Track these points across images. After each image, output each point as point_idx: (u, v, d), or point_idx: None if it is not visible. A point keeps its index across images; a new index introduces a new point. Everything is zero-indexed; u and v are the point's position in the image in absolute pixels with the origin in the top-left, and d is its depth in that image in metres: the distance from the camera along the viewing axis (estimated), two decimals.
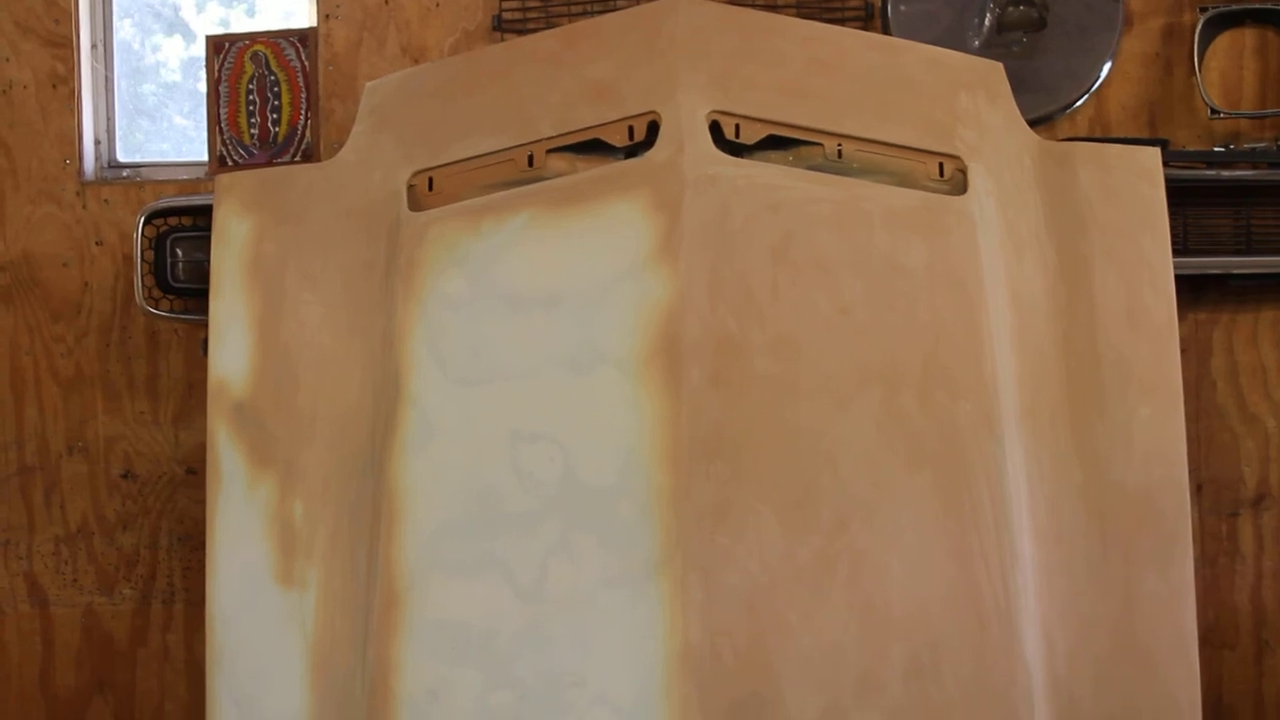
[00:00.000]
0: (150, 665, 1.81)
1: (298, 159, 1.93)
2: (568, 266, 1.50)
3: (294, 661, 1.51)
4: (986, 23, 2.06)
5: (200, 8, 2.29)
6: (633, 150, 1.54)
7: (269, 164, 1.90)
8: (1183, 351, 1.56)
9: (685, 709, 1.43)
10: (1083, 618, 1.47)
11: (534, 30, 2.05)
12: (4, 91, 2.03)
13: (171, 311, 1.82)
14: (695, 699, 1.43)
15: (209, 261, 1.57)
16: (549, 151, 1.55)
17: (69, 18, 2.05)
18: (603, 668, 1.45)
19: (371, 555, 1.50)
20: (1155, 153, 1.56)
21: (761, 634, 1.44)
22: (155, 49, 2.29)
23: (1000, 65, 1.62)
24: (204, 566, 1.53)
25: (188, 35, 2.29)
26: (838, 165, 1.54)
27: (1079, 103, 2.03)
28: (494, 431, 1.49)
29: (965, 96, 1.57)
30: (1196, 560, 1.60)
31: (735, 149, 1.53)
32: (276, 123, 1.93)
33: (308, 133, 1.93)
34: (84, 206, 2.00)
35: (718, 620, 1.44)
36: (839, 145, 1.54)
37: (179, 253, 1.83)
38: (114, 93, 2.18)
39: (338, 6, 2.06)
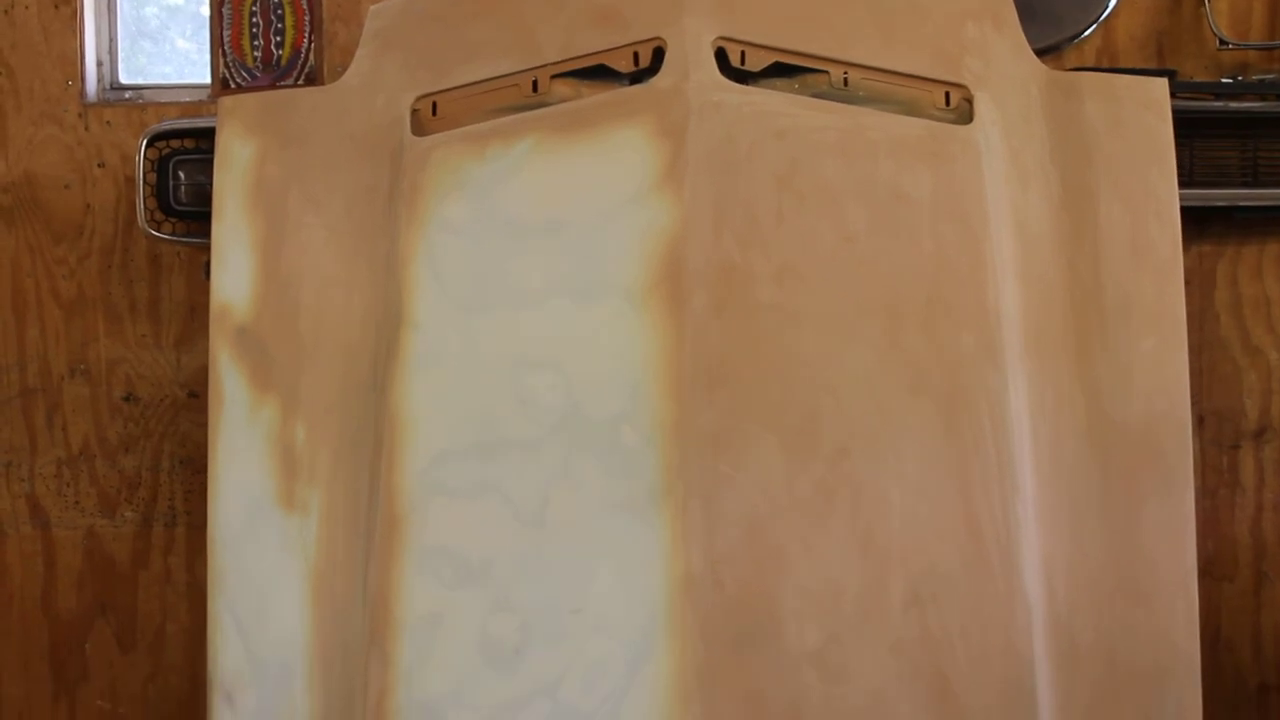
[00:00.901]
0: (152, 588, 1.82)
1: (301, 82, 1.92)
2: (571, 193, 1.50)
3: (295, 584, 1.51)
4: None
5: None
6: (638, 76, 1.53)
7: (272, 87, 1.89)
8: (1186, 284, 1.56)
9: (686, 637, 1.43)
10: (1083, 549, 1.47)
11: None
12: (6, 11, 2.01)
13: (174, 234, 1.82)
14: (696, 627, 1.43)
15: (211, 184, 1.57)
16: (554, 77, 1.54)
17: None
18: (603, 595, 1.45)
19: (373, 479, 1.50)
20: (1163, 84, 1.55)
21: (762, 562, 1.44)
22: None
23: None
24: (205, 490, 1.53)
25: None
26: (843, 93, 1.53)
27: (1087, 33, 2.01)
28: (496, 358, 1.48)
29: (972, 25, 1.56)
30: (1197, 492, 1.60)
31: (741, 76, 1.52)
32: (280, 45, 1.92)
33: (311, 56, 1.92)
34: (86, 128, 1.99)
35: (719, 548, 1.44)
36: (845, 73, 1.53)
37: (181, 175, 1.83)
38: (116, 14, 2.16)
39: None
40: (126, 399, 1.83)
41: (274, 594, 1.51)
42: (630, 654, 1.44)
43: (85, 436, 1.84)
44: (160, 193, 1.82)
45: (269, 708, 1.51)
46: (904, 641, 1.44)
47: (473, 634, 1.46)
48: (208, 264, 1.57)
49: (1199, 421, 1.68)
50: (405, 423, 1.48)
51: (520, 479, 1.47)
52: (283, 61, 1.92)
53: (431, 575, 1.46)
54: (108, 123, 2.00)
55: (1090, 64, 2.01)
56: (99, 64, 2.10)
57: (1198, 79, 1.95)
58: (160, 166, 1.83)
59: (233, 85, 1.92)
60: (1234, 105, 1.87)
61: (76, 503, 1.82)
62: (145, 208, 1.81)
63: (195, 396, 1.81)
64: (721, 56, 1.52)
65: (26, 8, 2.02)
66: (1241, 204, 1.78)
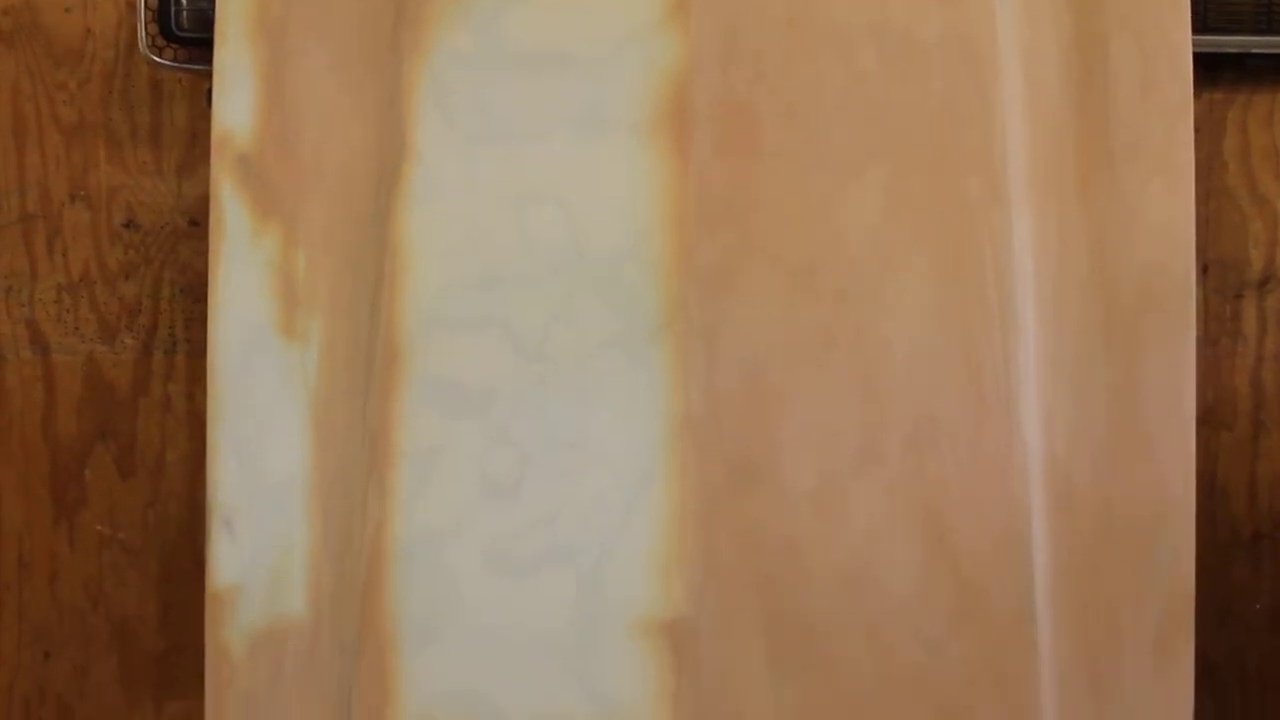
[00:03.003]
0: (151, 415, 1.82)
1: None
2: (578, 24, 1.48)
3: (295, 413, 1.52)
4: None
5: None
6: None
7: None
8: (1195, 131, 1.54)
9: (684, 474, 1.44)
10: (1082, 395, 1.47)
11: None
12: None
13: (175, 61, 1.80)
14: (694, 465, 1.44)
15: (213, 10, 1.55)
16: None
17: None
18: (603, 430, 1.46)
19: (373, 311, 1.50)
20: None
21: (762, 402, 1.45)
22: None
23: None
24: (205, 318, 1.52)
25: None
26: None
27: None
28: (500, 190, 1.48)
29: None
30: (1198, 341, 1.60)
31: None
32: None
33: None
34: None
35: (719, 387, 1.45)
36: None
37: (183, 1, 1.80)
38: None
39: None
40: (127, 226, 1.82)
41: (274, 423, 1.52)
42: (628, 490, 1.45)
43: (85, 263, 1.83)
44: (162, 18, 1.79)
45: (268, 535, 1.52)
46: (901, 485, 1.45)
47: (472, 466, 1.47)
48: (209, 91, 1.56)
49: (1203, 270, 1.68)
50: (406, 255, 1.48)
51: (521, 313, 1.47)
52: None
53: (431, 407, 1.47)
54: None
55: None
56: None
57: None
58: None
59: None
60: None
61: (76, 329, 1.82)
62: (146, 33, 1.78)
63: (196, 225, 1.80)
64: None
65: None
66: (1254, 51, 1.76)
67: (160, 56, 1.79)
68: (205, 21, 1.76)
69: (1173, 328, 1.47)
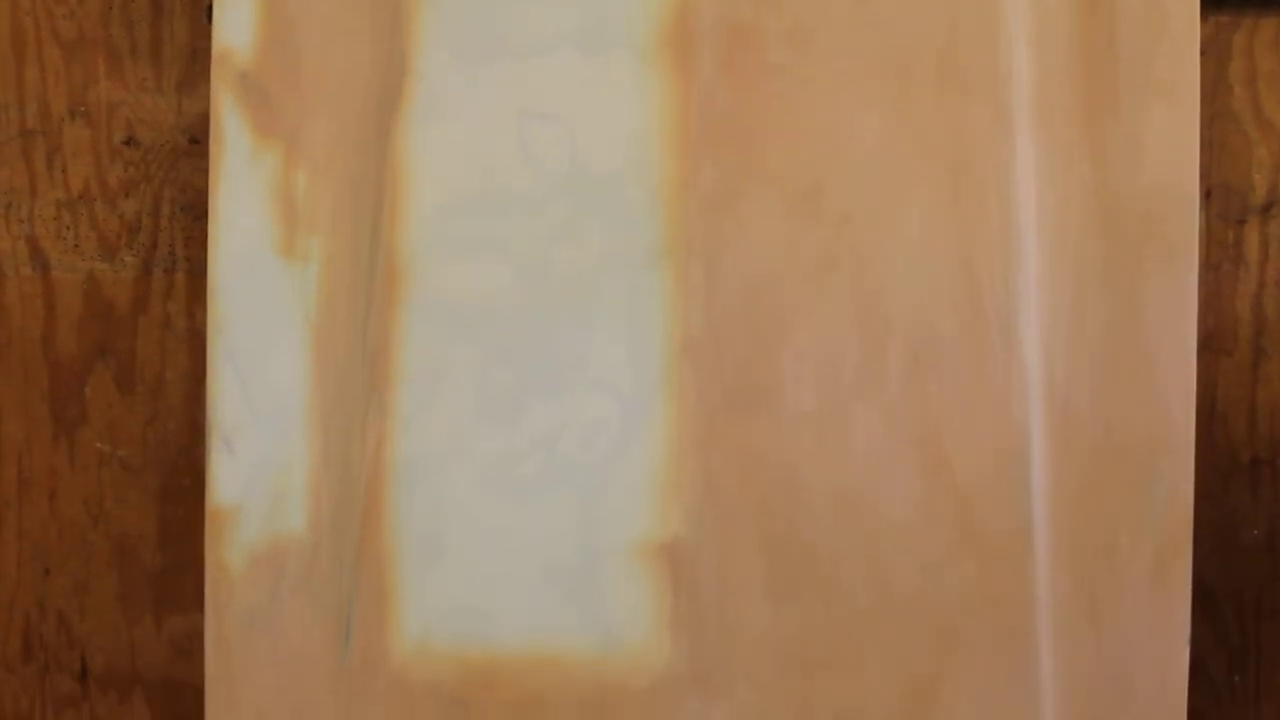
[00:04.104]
0: (151, 333, 1.81)
1: None
2: None
3: (294, 333, 1.52)
4: None
5: None
6: None
7: None
8: (1202, 55, 1.53)
9: (683, 396, 1.44)
10: (1083, 319, 1.47)
11: None
12: None
13: None
14: (694, 387, 1.44)
15: None
16: None
17: None
18: (602, 353, 1.46)
19: (374, 230, 1.50)
20: None
21: (763, 325, 1.45)
22: None
23: None
24: (205, 236, 1.52)
25: None
26: None
27: None
28: (501, 110, 1.47)
29: None
30: (1200, 266, 1.60)
31: None
32: None
33: None
34: None
35: (720, 310, 1.45)
36: None
37: None
38: None
39: None
40: (127, 143, 1.81)
41: (274, 342, 1.52)
42: (628, 412, 1.45)
43: (85, 179, 1.83)
44: None
45: (267, 454, 1.52)
46: (900, 407, 1.45)
47: (471, 387, 1.47)
48: (209, 7, 1.55)
49: (1206, 195, 1.67)
50: (407, 175, 1.48)
51: (522, 234, 1.47)
52: None
53: (432, 327, 1.47)
54: None
55: None
56: None
57: None
58: None
59: None
60: None
61: (76, 246, 1.81)
62: None
63: (196, 142, 1.79)
64: None
65: None
66: None
67: None
68: None
69: (1175, 253, 1.46)
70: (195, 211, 1.80)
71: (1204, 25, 1.57)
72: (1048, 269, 1.47)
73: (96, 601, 1.85)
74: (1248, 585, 1.68)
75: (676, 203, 1.44)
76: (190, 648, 1.83)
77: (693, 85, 1.45)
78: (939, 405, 1.44)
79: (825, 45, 1.45)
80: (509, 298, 1.47)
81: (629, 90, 1.46)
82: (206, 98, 1.62)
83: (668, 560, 1.46)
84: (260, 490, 1.52)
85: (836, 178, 1.45)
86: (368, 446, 1.48)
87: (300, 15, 1.52)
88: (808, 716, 1.46)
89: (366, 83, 1.52)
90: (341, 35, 1.52)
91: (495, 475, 1.47)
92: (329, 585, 1.52)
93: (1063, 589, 1.47)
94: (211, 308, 1.52)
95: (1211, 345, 1.67)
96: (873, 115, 1.45)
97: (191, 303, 1.81)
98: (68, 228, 1.82)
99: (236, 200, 1.52)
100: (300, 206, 1.52)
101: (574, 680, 1.47)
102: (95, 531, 1.84)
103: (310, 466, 1.52)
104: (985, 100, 1.45)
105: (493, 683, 1.48)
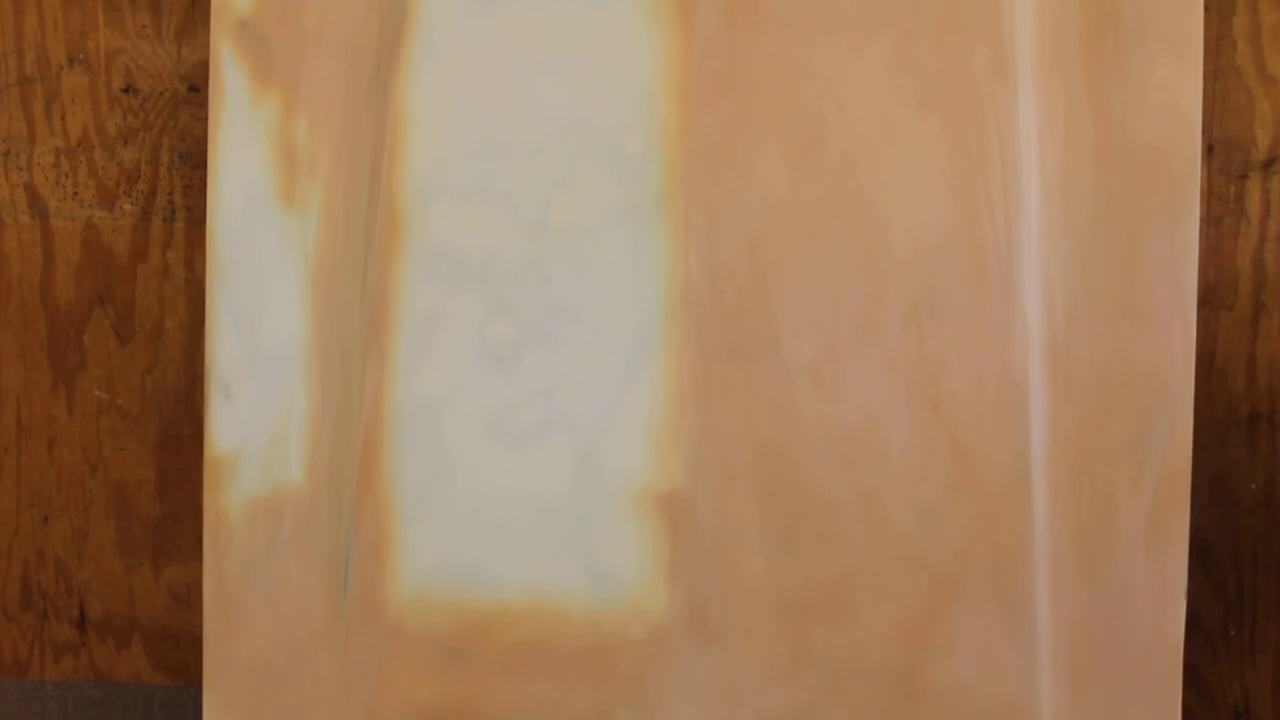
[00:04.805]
0: (150, 281, 1.81)
1: None
2: None
3: (294, 281, 1.52)
4: None
5: None
6: None
7: None
8: (1205, 9, 1.53)
9: (683, 346, 1.44)
10: (1084, 272, 1.47)
11: None
12: None
13: None
14: (693, 337, 1.44)
15: None
16: None
17: None
18: (602, 302, 1.46)
19: (373, 179, 1.50)
20: None
21: (762, 274, 1.45)
22: None
23: None
24: (205, 185, 1.52)
25: None
26: None
27: None
28: (502, 59, 1.47)
29: None
30: (1201, 221, 1.59)
31: None
32: None
33: None
34: None
35: (719, 259, 1.44)
36: None
37: None
38: None
39: None
40: (126, 90, 1.81)
41: (273, 290, 1.52)
42: (627, 361, 1.46)
43: (84, 127, 1.82)
44: None
45: (266, 402, 1.52)
46: (900, 356, 1.45)
47: (471, 335, 1.47)
48: None
49: (1208, 149, 1.66)
50: (407, 122, 1.47)
51: (522, 183, 1.47)
52: None
53: (431, 276, 1.47)
54: None
55: None
56: None
57: None
58: None
59: None
60: None
61: (75, 194, 1.81)
62: None
63: (195, 90, 1.79)
64: None
65: None
66: None
67: None
68: None
69: (1176, 207, 1.46)
70: (194, 160, 1.79)
71: None
72: (1049, 220, 1.47)
73: (95, 549, 1.86)
74: (1244, 539, 1.68)
75: (677, 152, 1.44)
76: (188, 595, 1.84)
77: (693, 34, 1.44)
78: (938, 354, 1.44)
79: None
80: (509, 246, 1.46)
81: (629, 40, 1.46)
82: (206, 45, 1.62)
83: (665, 509, 1.46)
84: (259, 438, 1.53)
85: (837, 126, 1.45)
86: (366, 395, 1.48)
87: None
88: (804, 663, 1.47)
89: (367, 31, 1.52)
90: None
91: (494, 425, 1.48)
92: (327, 534, 1.52)
93: (1059, 538, 1.47)
94: (211, 256, 1.52)
95: (1211, 300, 1.67)
96: (874, 65, 1.45)
97: (190, 251, 1.81)
98: (66, 175, 1.81)
99: (236, 148, 1.52)
100: (299, 155, 1.52)
101: (572, 628, 1.48)
102: (94, 479, 1.85)
103: (309, 415, 1.52)
104: (988, 51, 1.45)
105: (490, 631, 1.49)
